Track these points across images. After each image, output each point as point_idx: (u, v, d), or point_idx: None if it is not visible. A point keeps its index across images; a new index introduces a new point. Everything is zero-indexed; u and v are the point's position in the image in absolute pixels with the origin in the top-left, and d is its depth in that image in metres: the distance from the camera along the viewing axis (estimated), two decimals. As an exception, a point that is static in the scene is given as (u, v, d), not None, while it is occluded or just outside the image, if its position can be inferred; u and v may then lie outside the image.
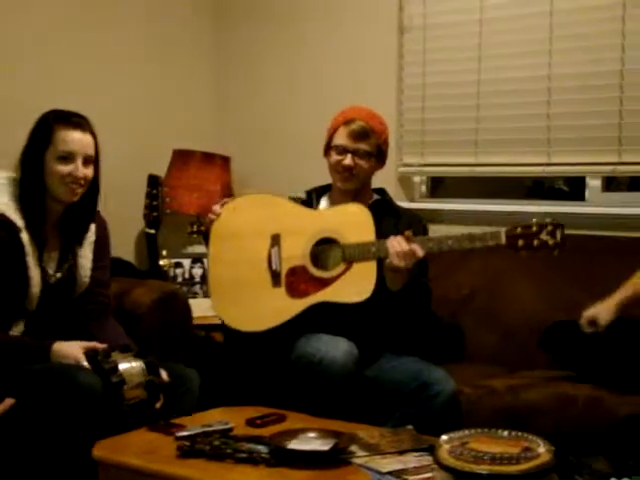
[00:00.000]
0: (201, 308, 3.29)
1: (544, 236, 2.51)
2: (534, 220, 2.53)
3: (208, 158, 3.91)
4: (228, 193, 3.88)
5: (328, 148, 2.86)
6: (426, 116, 3.70)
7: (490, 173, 3.63)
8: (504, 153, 3.54)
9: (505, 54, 3.51)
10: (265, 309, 2.73)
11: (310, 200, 2.93)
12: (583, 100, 3.34)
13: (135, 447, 2.21)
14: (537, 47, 3.42)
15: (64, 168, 2.47)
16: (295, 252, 2.74)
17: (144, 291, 3.02)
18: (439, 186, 3.88)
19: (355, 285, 2.66)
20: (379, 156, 2.85)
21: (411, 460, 2.05)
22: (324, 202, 2.94)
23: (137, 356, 2.42)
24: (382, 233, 2.67)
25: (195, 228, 3.77)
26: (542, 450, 1.79)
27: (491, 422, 2.11)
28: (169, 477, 2.04)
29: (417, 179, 3.83)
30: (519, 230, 2.53)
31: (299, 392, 2.59)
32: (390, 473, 1.97)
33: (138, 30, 3.85)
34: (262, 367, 2.72)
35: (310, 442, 2.12)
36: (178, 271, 3.65)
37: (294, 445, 2.09)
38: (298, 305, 2.70)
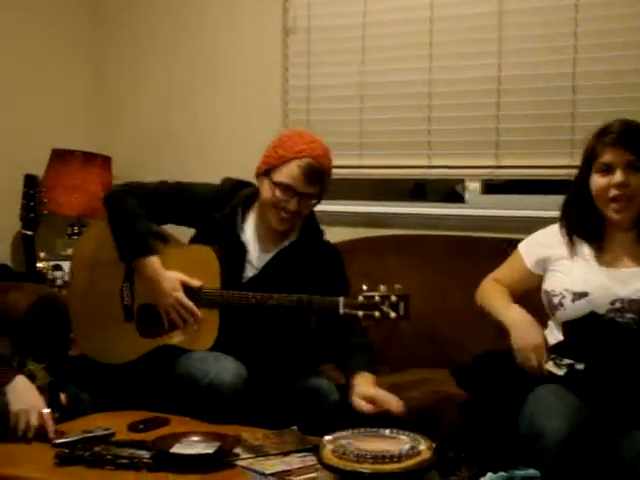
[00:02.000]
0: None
1: (386, 308, 2.35)
2: (381, 287, 2.37)
3: (88, 158, 3.81)
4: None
5: (266, 174, 2.58)
6: (311, 117, 3.71)
7: (374, 175, 3.68)
8: (387, 156, 3.60)
9: (388, 58, 3.56)
10: (119, 344, 2.66)
11: (233, 215, 2.66)
12: (462, 105, 3.43)
13: (11, 456, 2.13)
14: (418, 51, 3.49)
15: None
16: (146, 289, 2.63)
17: (21, 295, 2.92)
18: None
19: (198, 333, 2.57)
20: (322, 195, 2.64)
21: (295, 461, 2.05)
22: (250, 226, 2.69)
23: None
24: (292, 280, 2.57)
25: (75, 230, 3.70)
26: (423, 447, 1.82)
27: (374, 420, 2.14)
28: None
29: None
30: (360, 300, 2.37)
31: (184, 401, 2.54)
32: (274, 474, 1.97)
33: (11, 21, 3.71)
34: (143, 375, 2.66)
35: (194, 446, 2.09)
36: (57, 274, 3.54)
37: (177, 449, 2.06)
38: (147, 344, 2.63)
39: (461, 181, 3.54)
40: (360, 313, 2.37)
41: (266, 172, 2.59)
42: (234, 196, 2.69)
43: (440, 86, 3.47)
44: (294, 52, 3.75)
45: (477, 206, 3.45)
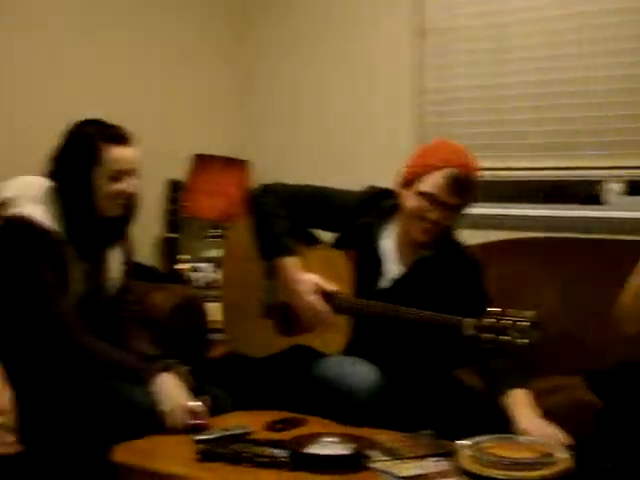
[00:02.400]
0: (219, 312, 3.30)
1: (516, 334, 2.20)
2: (511, 311, 2.23)
3: (228, 162, 3.92)
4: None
5: (409, 184, 2.55)
6: (447, 120, 3.69)
7: (510, 177, 3.61)
8: (523, 157, 3.53)
9: (525, 57, 3.49)
10: (257, 339, 2.72)
11: (372, 225, 2.65)
12: (605, 103, 3.33)
13: (155, 451, 2.22)
14: (558, 51, 3.41)
15: (115, 186, 2.43)
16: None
17: (164, 295, 3.03)
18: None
19: (332, 335, 2.60)
20: (465, 207, 2.59)
21: (430, 465, 2.04)
22: (389, 236, 2.67)
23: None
24: (427, 294, 2.56)
25: (215, 233, 3.81)
26: (562, 456, 1.78)
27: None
28: (186, 481, 2.05)
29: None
30: (487, 322, 2.27)
31: (319, 403, 2.57)
32: (409, 478, 1.96)
33: (156, 31, 3.85)
34: (280, 375, 2.72)
35: (330, 447, 2.12)
36: (197, 275, 3.66)
37: (313, 449, 2.09)
38: (281, 342, 2.69)
39: (600, 182, 3.43)
40: (487, 336, 2.27)
41: (409, 182, 2.57)
42: (376, 205, 2.69)
43: (579, 85, 3.38)
44: (429, 54, 3.73)
45: (619, 208, 3.34)
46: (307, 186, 2.76)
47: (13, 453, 2.02)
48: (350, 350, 2.60)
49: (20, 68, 3.34)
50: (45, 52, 3.43)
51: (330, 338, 2.62)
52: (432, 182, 2.50)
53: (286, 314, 2.71)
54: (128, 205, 2.51)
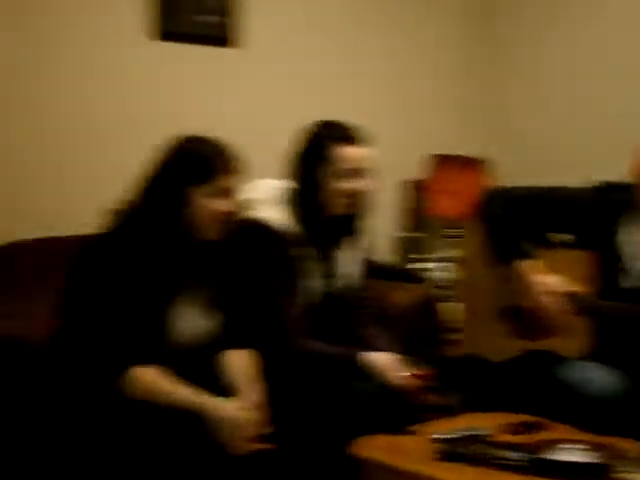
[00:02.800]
0: (454, 312, 3.30)
1: None
2: None
3: (468, 162, 3.90)
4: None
5: None
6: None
7: None
8: None
9: None
10: (495, 343, 2.69)
11: (608, 225, 2.56)
12: None
13: (393, 447, 2.25)
14: None
15: (343, 185, 2.48)
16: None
17: (402, 293, 3.06)
18: None
19: (572, 339, 2.53)
20: None
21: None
22: (628, 235, 2.55)
23: None
24: None
25: (453, 232, 3.81)
26: None
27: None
28: (427, 479, 2.06)
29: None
30: None
31: (559, 407, 2.51)
32: (661, 493, 1.87)
33: (398, 31, 3.91)
34: (518, 378, 2.67)
35: (572, 453, 2.05)
36: (434, 274, 3.67)
37: (555, 455, 2.04)
38: (519, 346, 2.63)
39: None
40: None
41: None
42: (612, 200, 2.59)
43: None
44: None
45: None
46: (536, 187, 2.70)
47: (267, 449, 2.07)
48: (592, 354, 2.51)
49: (263, 72, 3.50)
50: (286, 54, 3.57)
51: (571, 341, 2.55)
52: None
53: (524, 317, 2.66)
54: (356, 204, 2.54)
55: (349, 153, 2.48)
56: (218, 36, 3.34)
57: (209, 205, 2.16)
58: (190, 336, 2.22)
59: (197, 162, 2.18)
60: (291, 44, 3.57)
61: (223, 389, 2.17)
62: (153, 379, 2.07)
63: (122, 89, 3.16)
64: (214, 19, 3.31)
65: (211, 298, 2.27)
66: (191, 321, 2.22)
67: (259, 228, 2.47)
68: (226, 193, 2.20)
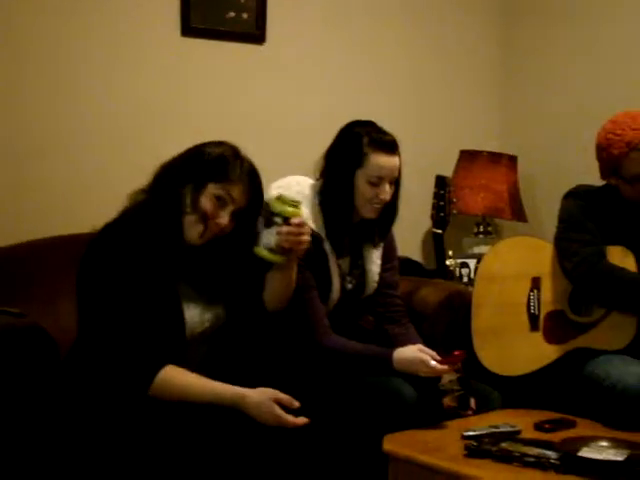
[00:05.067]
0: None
1: None
2: None
3: (494, 158, 3.88)
4: (515, 193, 3.84)
5: (616, 175, 2.62)
6: None
7: None
8: None
9: None
10: (522, 354, 2.70)
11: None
12: None
13: (422, 443, 2.26)
14: None
15: (372, 191, 2.50)
16: (554, 296, 2.70)
17: (431, 290, 3.06)
18: None
19: (614, 332, 2.58)
20: None
21: None
22: None
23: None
24: None
25: (481, 229, 3.80)
26: None
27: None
28: (457, 475, 2.07)
29: None
30: None
31: (589, 403, 2.51)
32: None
33: (421, 28, 3.88)
34: (552, 375, 2.67)
35: (602, 451, 2.05)
36: (464, 271, 3.66)
37: (585, 453, 2.04)
38: (554, 351, 2.66)
39: None
40: None
41: (612, 173, 2.63)
42: None
43: None
44: None
45: None
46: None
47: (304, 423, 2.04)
48: (631, 348, 2.54)
49: (295, 69, 3.52)
50: (319, 52, 3.58)
51: (612, 335, 2.55)
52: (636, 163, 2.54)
53: (559, 321, 2.67)
54: (385, 210, 2.57)
55: (385, 162, 2.50)
56: (248, 33, 3.34)
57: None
58: (196, 330, 2.21)
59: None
60: (322, 42, 3.58)
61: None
62: (183, 379, 2.07)
63: (150, 86, 3.17)
64: (243, 16, 3.32)
65: (215, 291, 2.26)
66: (198, 315, 2.22)
67: None
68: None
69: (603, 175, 2.66)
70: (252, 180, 2.20)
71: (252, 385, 2.07)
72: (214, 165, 2.16)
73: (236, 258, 2.26)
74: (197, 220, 2.14)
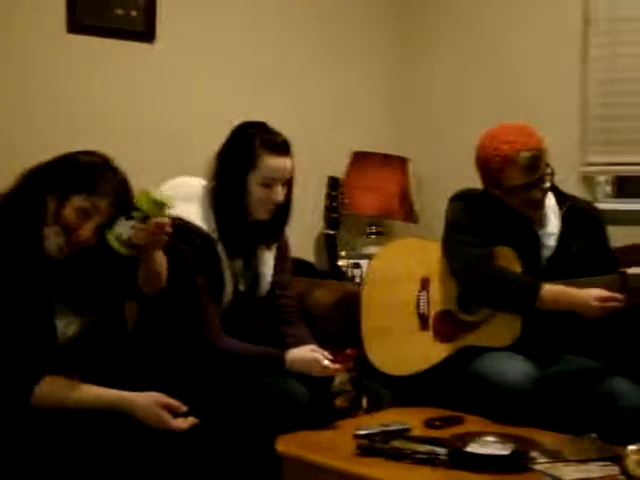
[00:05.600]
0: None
1: None
2: None
3: (387, 160, 3.93)
4: (406, 195, 3.89)
5: (497, 187, 2.65)
6: (612, 112, 3.55)
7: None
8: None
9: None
10: (412, 353, 2.75)
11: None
12: None
13: (316, 443, 2.27)
14: None
15: (265, 192, 2.50)
16: (443, 296, 2.75)
17: (324, 292, 3.06)
18: (624, 186, 3.73)
19: (500, 330, 2.63)
20: None
21: (595, 469, 1.99)
22: None
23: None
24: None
25: (373, 229, 3.83)
26: None
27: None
28: (349, 474, 2.08)
29: (602, 178, 3.69)
30: None
31: (476, 400, 2.56)
32: (573, 482, 1.92)
33: (313, 31, 3.90)
34: (440, 373, 2.72)
35: (489, 446, 2.10)
36: (356, 272, 3.69)
37: (473, 448, 2.08)
38: (444, 349, 2.71)
39: None
40: None
41: (496, 185, 2.67)
42: None
43: None
44: (595, 44, 3.59)
45: None
46: None
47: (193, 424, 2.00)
48: (517, 344, 2.60)
49: (186, 68, 3.47)
50: (211, 52, 3.55)
51: (499, 333, 2.62)
52: (512, 175, 2.60)
53: (448, 320, 2.72)
54: (278, 211, 2.57)
55: (278, 163, 2.50)
56: (137, 31, 3.28)
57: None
58: (65, 338, 2.13)
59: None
60: (214, 41, 3.54)
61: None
62: (63, 388, 2.01)
63: (33, 84, 3.06)
64: (132, 13, 3.25)
65: (84, 300, 2.16)
66: (65, 324, 2.12)
67: (178, 226, 2.45)
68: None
69: (484, 185, 2.72)
70: (121, 192, 2.09)
71: (141, 389, 2.03)
72: (82, 175, 2.06)
73: (106, 268, 2.17)
74: (58, 232, 2.03)
